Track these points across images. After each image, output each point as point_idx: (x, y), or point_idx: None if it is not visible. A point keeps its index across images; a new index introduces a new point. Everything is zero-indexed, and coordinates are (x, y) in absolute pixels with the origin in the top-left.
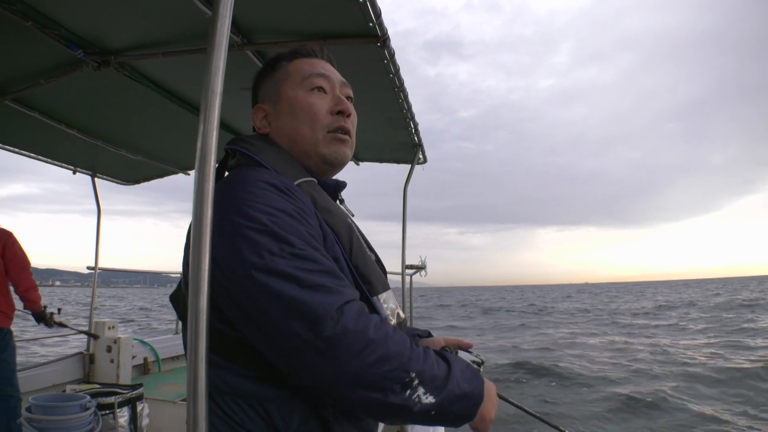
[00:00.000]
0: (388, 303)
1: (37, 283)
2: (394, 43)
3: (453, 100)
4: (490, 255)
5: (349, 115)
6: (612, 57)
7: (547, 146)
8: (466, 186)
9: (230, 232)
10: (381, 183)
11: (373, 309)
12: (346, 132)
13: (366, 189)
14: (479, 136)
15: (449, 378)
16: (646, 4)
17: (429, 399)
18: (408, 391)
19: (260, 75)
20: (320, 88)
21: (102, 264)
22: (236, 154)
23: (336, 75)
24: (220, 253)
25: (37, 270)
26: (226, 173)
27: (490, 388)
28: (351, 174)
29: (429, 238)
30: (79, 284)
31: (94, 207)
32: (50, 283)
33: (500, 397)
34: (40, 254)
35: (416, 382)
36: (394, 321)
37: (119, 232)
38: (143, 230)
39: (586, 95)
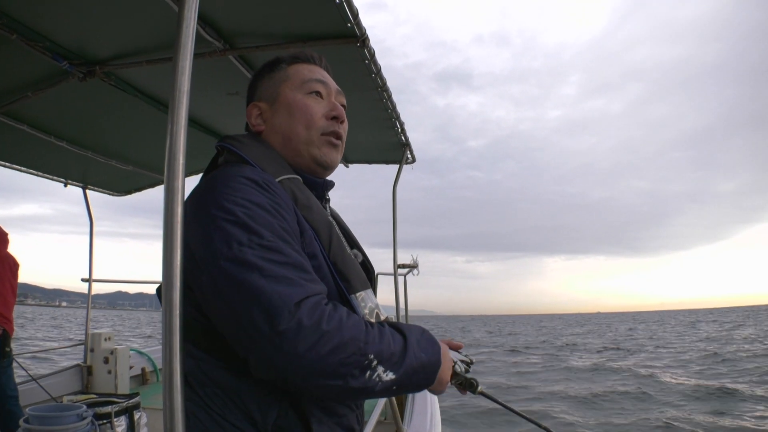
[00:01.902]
0: (367, 302)
1: (44, 303)
2: (405, 74)
3: (462, 130)
4: (498, 284)
5: (342, 122)
6: (620, 88)
7: (557, 175)
8: (475, 214)
9: (206, 223)
10: (388, 210)
11: (351, 307)
12: (339, 137)
13: (375, 216)
14: (488, 165)
15: (407, 351)
16: (657, 35)
17: (389, 376)
18: (368, 373)
19: (258, 74)
20: (318, 93)
21: (106, 286)
22: (224, 152)
23: (332, 83)
24: (195, 244)
25: (43, 290)
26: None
27: (444, 351)
28: (359, 202)
29: (435, 266)
30: (85, 306)
31: (105, 228)
32: (57, 303)
33: (483, 394)
34: (48, 274)
35: (375, 362)
36: (373, 321)
37: (131, 255)
38: (154, 254)
39: (595, 125)
